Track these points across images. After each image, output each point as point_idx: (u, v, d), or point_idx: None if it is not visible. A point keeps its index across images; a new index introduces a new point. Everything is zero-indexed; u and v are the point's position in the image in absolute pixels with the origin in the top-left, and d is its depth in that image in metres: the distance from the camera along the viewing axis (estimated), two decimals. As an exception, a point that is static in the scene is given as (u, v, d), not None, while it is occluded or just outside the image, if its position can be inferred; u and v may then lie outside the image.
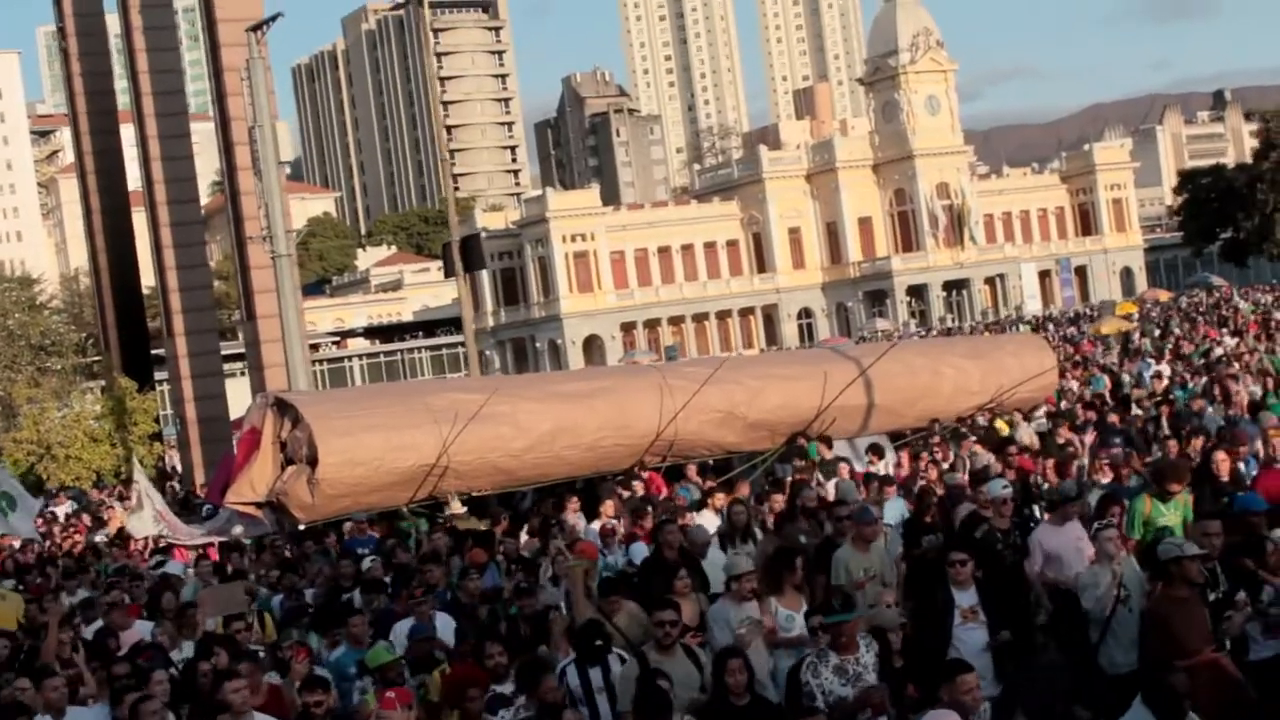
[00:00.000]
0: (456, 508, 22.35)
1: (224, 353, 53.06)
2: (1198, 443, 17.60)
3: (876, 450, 22.99)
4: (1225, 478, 14.38)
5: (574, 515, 20.14)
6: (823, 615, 10.18)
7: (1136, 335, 52.25)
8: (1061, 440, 21.33)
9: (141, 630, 14.99)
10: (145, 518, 25.34)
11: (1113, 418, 23.05)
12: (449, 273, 38.41)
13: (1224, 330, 47.57)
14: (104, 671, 12.55)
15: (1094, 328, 57.85)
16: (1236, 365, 29.73)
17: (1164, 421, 21.78)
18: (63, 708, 11.31)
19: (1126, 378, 31.95)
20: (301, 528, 22.66)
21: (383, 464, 22.67)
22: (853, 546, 13.28)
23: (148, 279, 53.97)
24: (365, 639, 12.90)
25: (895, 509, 17.04)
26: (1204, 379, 27.80)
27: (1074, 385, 31.12)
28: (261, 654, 12.88)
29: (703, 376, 25.69)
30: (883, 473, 20.63)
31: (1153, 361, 34.91)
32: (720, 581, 12.69)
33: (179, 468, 46.41)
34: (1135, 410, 24.87)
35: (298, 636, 13.91)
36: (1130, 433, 21.91)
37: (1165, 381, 28.52)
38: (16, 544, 26.05)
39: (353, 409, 24.62)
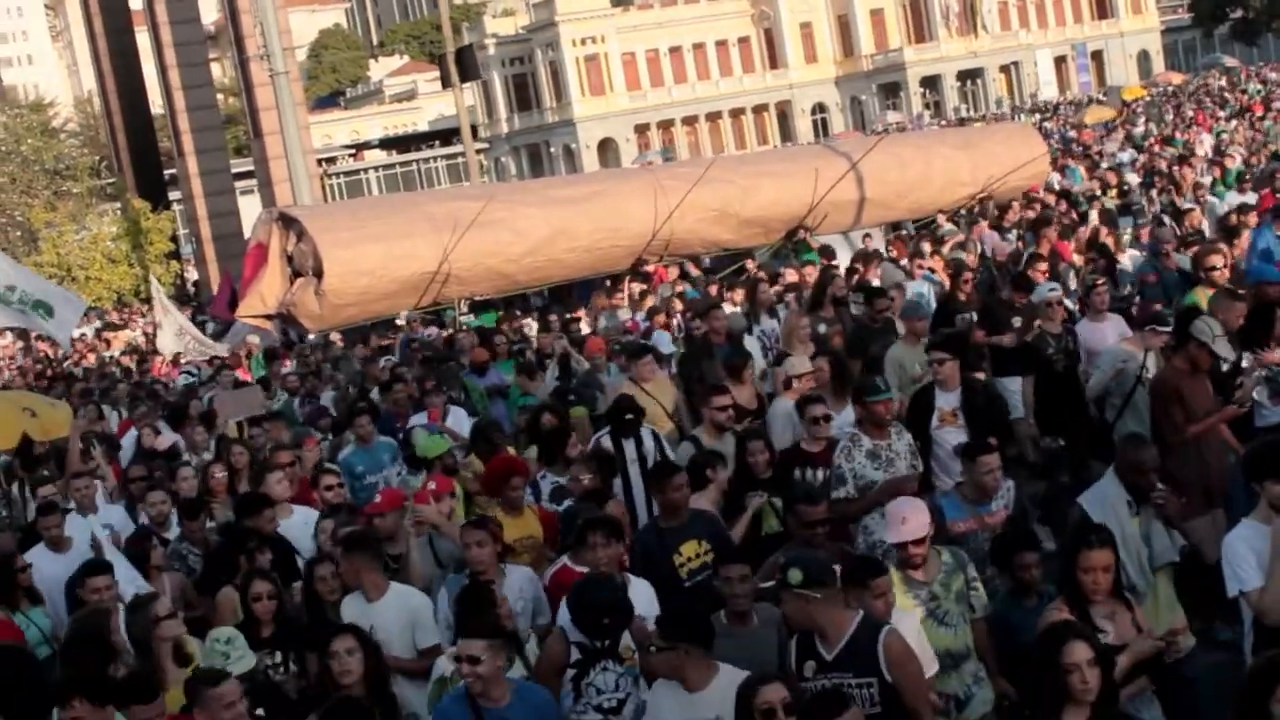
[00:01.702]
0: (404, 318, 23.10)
1: (236, 170, 53.44)
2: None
3: (826, 253, 22.76)
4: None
5: (622, 309, 20.87)
6: (865, 394, 9.90)
7: (1142, 121, 52.10)
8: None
9: (171, 438, 15.86)
10: (168, 333, 26.16)
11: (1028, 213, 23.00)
12: (445, 84, 38.73)
13: (1224, 113, 47.36)
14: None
15: (1078, 117, 57.29)
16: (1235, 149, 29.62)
17: (1093, 217, 21.65)
18: (93, 506, 11.89)
19: (1104, 165, 32.08)
20: (312, 336, 23.60)
21: (386, 273, 23.49)
22: (905, 343, 13.04)
23: (156, 101, 54.19)
24: (372, 439, 13.30)
25: (918, 288, 17.10)
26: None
27: (1055, 177, 31.02)
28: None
29: (695, 176, 26.31)
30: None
31: (1133, 151, 34.95)
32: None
33: (198, 283, 47.24)
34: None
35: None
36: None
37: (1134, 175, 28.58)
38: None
39: (355, 221, 25.35)
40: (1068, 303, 14.37)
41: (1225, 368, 10.44)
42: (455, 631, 7.71)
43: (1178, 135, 38.61)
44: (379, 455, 13.01)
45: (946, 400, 10.66)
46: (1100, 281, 13.37)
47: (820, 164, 27.51)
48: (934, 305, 15.51)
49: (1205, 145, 32.55)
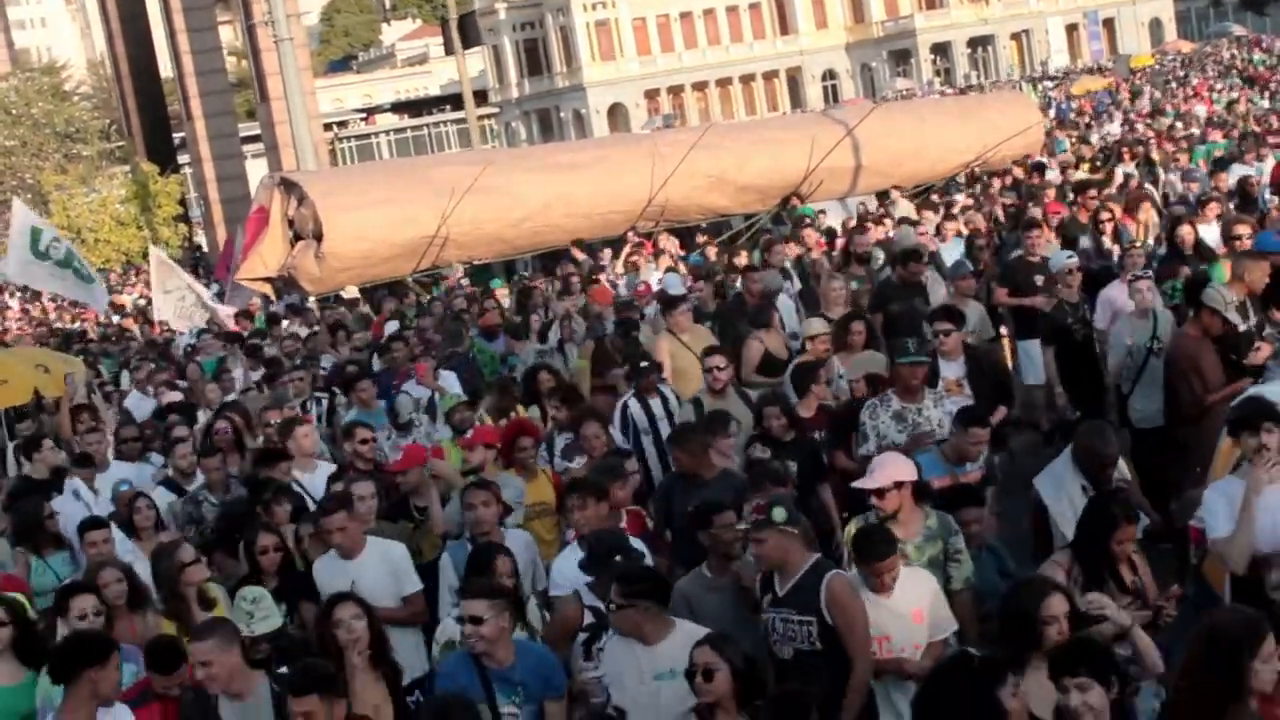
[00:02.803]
0: (351, 293, 23.17)
1: (244, 134, 53.71)
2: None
3: (800, 223, 22.23)
4: (1189, 250, 13.59)
5: (646, 264, 21.03)
6: (894, 356, 10.05)
7: (1147, 90, 52.16)
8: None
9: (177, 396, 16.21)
10: (160, 299, 26.29)
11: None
12: (449, 50, 39.05)
13: (1221, 84, 47.37)
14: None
15: (1068, 87, 57.29)
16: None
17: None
18: (104, 461, 12.22)
19: (1095, 139, 32.23)
20: (311, 300, 23.95)
21: (385, 237, 23.81)
22: (954, 302, 12.83)
23: (167, 65, 54.49)
24: (373, 402, 13.46)
25: (953, 252, 16.93)
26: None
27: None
28: None
29: (692, 142, 26.61)
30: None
31: (1118, 123, 35.05)
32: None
33: (205, 247, 47.61)
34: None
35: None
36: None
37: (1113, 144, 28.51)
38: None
39: (355, 186, 25.75)
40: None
41: (1242, 328, 10.48)
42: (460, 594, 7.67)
43: (1169, 106, 38.66)
44: (379, 420, 13.01)
45: (951, 369, 10.73)
46: (1135, 244, 13.47)
47: (817, 131, 27.73)
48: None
49: (1200, 116, 32.71)
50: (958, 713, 5.19)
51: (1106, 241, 15.40)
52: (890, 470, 7.87)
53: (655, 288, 18.36)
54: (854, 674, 6.85)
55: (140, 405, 16.53)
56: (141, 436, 13.49)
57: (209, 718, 6.92)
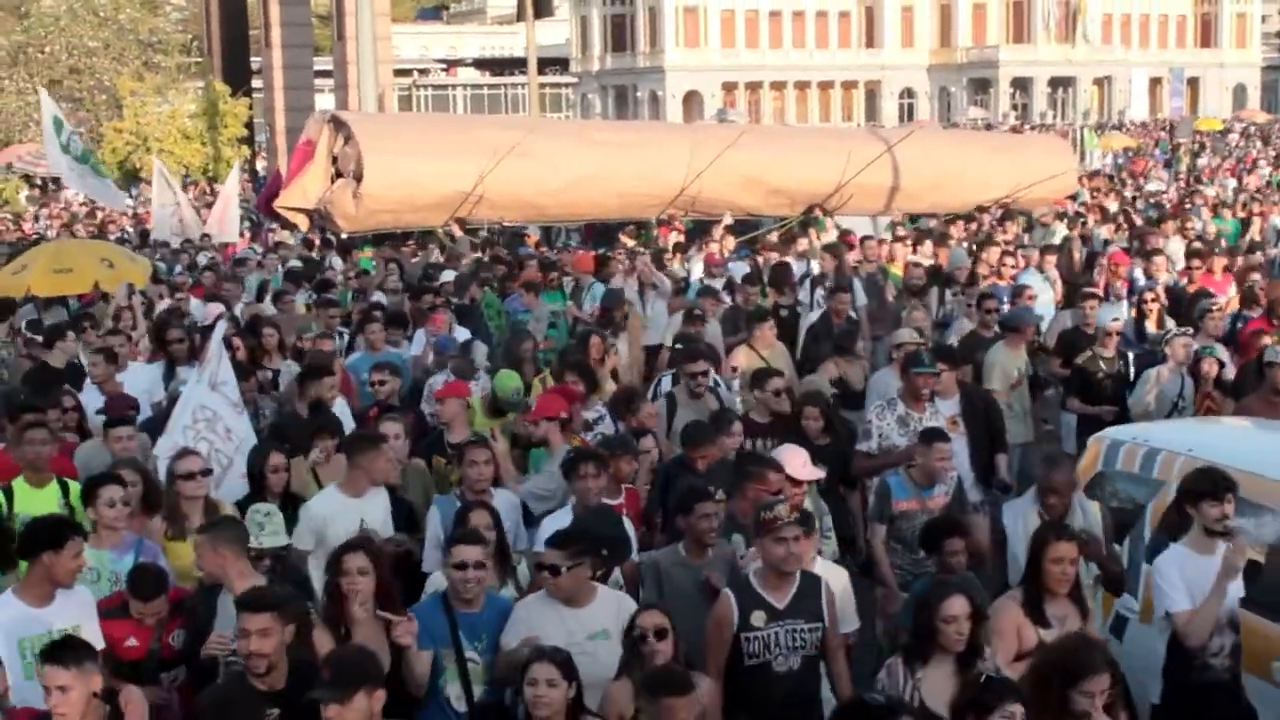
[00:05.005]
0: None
1: (319, 69, 54.68)
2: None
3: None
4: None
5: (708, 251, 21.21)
6: (911, 365, 10.51)
7: (1208, 155, 52.43)
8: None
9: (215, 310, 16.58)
10: (165, 212, 27.09)
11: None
12: (520, 17, 39.80)
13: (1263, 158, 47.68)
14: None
15: (1098, 142, 57.40)
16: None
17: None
18: (123, 363, 12.56)
19: (1127, 194, 32.80)
20: (344, 235, 24.87)
21: (422, 186, 24.59)
22: (1008, 346, 13.05)
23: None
24: (380, 345, 13.62)
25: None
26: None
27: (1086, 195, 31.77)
28: None
29: (730, 139, 27.35)
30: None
31: (1160, 184, 35.50)
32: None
33: (264, 173, 48.46)
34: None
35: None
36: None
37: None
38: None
39: (401, 133, 26.62)
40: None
41: None
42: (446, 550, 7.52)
43: (1206, 175, 39.10)
44: (357, 366, 13.09)
45: (946, 407, 10.91)
46: (1216, 307, 13.63)
47: (854, 146, 28.31)
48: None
49: (1227, 189, 33.21)
50: None
51: (1150, 325, 14.81)
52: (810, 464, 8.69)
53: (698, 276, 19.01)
54: (842, 661, 7.39)
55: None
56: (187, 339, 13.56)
57: (211, 607, 7.35)
